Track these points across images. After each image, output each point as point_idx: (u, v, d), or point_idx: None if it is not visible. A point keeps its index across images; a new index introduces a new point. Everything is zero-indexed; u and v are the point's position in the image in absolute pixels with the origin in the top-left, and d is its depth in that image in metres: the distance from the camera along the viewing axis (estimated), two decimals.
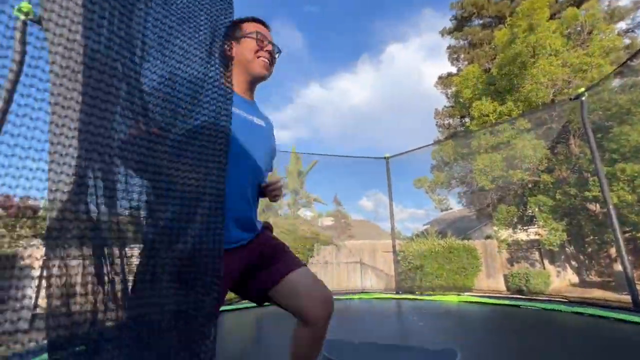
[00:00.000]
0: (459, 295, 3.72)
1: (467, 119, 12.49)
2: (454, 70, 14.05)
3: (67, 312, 0.64)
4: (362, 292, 4.47)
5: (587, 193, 7.97)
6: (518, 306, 3.10)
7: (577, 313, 2.73)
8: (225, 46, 0.93)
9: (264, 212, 8.85)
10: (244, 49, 1.02)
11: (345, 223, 9.66)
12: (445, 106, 13.57)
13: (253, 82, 1.07)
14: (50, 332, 0.61)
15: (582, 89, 3.31)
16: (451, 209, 12.15)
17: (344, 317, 3.01)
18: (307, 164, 9.25)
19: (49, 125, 0.69)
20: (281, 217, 9.08)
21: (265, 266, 1.01)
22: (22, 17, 1.38)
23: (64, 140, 0.65)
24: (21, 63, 1.20)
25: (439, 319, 2.91)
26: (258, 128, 1.05)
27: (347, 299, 3.91)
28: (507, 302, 3.27)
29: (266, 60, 1.04)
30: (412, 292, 4.37)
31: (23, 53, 1.19)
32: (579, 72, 8.64)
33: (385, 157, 4.67)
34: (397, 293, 4.19)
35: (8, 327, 0.56)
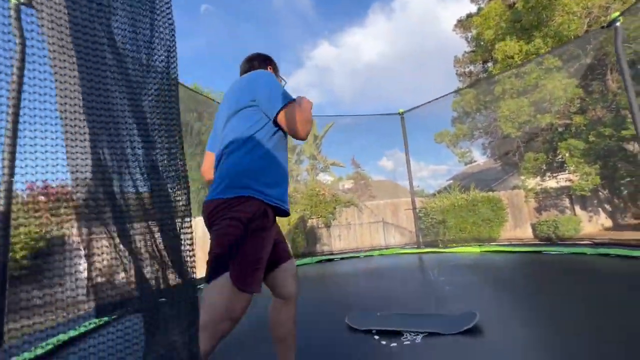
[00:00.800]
0: (480, 245, 3.72)
1: (490, 64, 11.61)
2: (474, 9, 12.81)
3: (108, 283, 0.76)
4: (383, 249, 4.58)
5: (624, 132, 7.40)
6: (540, 252, 3.07)
7: (603, 254, 2.67)
8: (271, 69, 1.44)
9: None
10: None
11: (365, 184, 9.66)
12: (465, 52, 12.62)
13: None
14: (97, 300, 0.74)
15: (617, 14, 2.95)
16: (475, 161, 11.77)
17: (364, 275, 3.12)
18: (322, 128, 9.13)
19: (57, 107, 0.74)
20: (300, 183, 9.21)
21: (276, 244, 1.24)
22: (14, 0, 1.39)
23: (74, 120, 0.70)
24: (22, 51, 1.23)
25: (459, 271, 2.95)
26: None
27: (366, 256, 4.04)
28: (529, 249, 3.24)
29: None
30: (435, 246, 4.41)
31: (23, 39, 1.22)
32: None
33: (399, 113, 4.51)
34: (419, 247, 4.26)
35: (68, 296, 0.68)
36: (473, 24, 11.42)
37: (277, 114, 1.14)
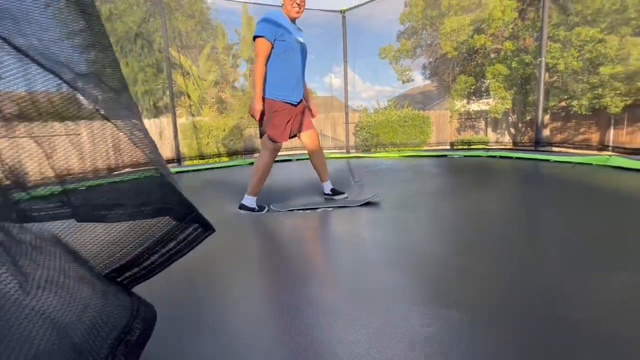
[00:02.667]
0: (399, 151, 4.13)
1: None
2: None
3: None
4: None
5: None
6: (445, 155, 3.56)
7: (490, 156, 3.22)
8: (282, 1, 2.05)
9: (218, 84, 8.30)
10: (287, 2, 1.99)
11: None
12: None
13: (292, 19, 2.05)
14: None
15: None
16: (413, 80, 12.11)
17: (293, 175, 3.31)
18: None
19: None
20: (237, 90, 8.63)
21: (301, 118, 2.17)
22: None
23: None
24: None
25: (380, 168, 3.31)
26: (300, 43, 2.07)
27: (299, 159, 4.22)
28: (436, 153, 3.72)
29: (297, 9, 2.01)
30: (365, 151, 4.75)
31: None
32: None
33: (341, 11, 4.23)
34: (347, 153, 4.57)
35: None
36: None
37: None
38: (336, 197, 2.22)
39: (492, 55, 9.78)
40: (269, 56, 1.96)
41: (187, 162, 5.16)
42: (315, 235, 1.51)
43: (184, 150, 6.33)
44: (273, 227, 1.71)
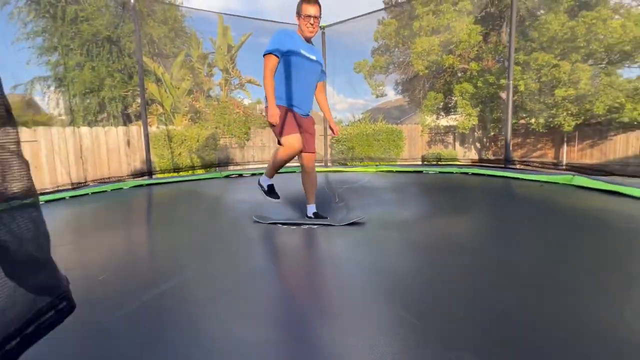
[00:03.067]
0: (377, 166, 4.21)
1: None
2: None
3: None
4: (295, 168, 4.76)
5: (503, 81, 8.73)
6: (421, 171, 3.68)
7: (463, 173, 3.37)
8: (296, 17, 2.12)
9: (193, 92, 8.09)
10: (302, 23, 2.08)
11: None
12: None
13: (307, 38, 2.13)
14: None
15: None
16: (386, 95, 12.52)
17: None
18: (239, 38, 8.16)
19: None
20: (212, 99, 8.45)
21: (306, 137, 2.20)
22: None
23: None
24: None
25: (358, 184, 3.34)
26: (312, 61, 2.13)
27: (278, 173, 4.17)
28: (413, 169, 3.84)
29: (310, 30, 2.10)
30: (341, 164, 4.80)
31: None
32: None
33: (322, 27, 4.31)
34: (326, 166, 4.60)
35: None
36: None
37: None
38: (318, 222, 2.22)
39: (459, 74, 10.40)
40: (277, 69, 2.09)
41: (158, 175, 4.93)
42: (297, 254, 1.48)
43: (154, 160, 6.06)
44: (251, 241, 1.65)
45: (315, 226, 1.93)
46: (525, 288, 0.94)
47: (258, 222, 2.02)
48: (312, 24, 2.07)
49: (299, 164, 2.38)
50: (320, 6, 2.10)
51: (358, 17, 4.41)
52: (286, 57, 2.07)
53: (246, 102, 9.50)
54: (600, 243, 1.33)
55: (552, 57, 7.77)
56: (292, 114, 2.16)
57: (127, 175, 4.61)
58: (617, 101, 7.75)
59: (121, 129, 6.81)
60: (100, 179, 3.56)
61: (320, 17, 2.12)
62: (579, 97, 7.93)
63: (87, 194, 2.79)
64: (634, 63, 7.71)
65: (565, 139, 10.81)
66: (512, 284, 0.97)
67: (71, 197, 2.65)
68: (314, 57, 2.15)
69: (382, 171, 4.03)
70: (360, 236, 1.65)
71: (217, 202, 2.60)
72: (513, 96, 3.59)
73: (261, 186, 2.23)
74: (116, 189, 3.05)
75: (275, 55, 2.03)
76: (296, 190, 2.68)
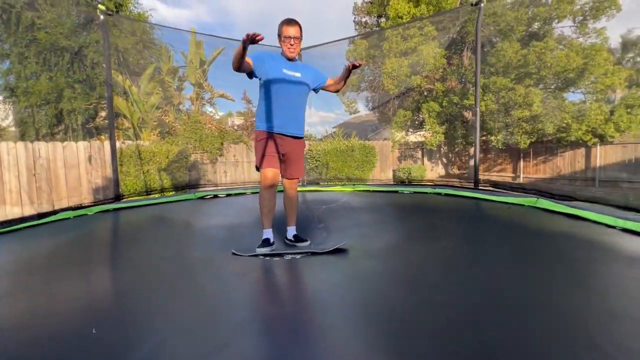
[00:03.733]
0: (353, 185, 4.27)
1: (383, 19, 12.24)
2: None
3: None
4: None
5: (465, 101, 9.32)
6: (397, 191, 3.79)
7: (437, 193, 3.51)
8: (278, 39, 2.12)
9: (163, 106, 7.79)
10: (282, 44, 2.10)
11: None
12: (364, 1, 12.84)
13: (289, 58, 2.13)
14: None
15: None
16: (359, 112, 12.88)
17: (245, 210, 3.18)
18: (210, 53, 8.04)
19: None
20: (183, 113, 8.21)
21: (287, 160, 2.23)
22: None
23: None
24: None
25: (336, 205, 3.37)
26: (295, 78, 2.12)
27: (253, 192, 4.09)
28: (389, 188, 3.94)
29: (291, 49, 2.09)
30: (317, 184, 4.82)
31: None
32: None
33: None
34: (303, 186, 4.59)
35: None
36: None
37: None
38: (298, 244, 2.19)
39: (426, 94, 10.97)
40: (259, 94, 2.14)
41: (125, 193, 4.65)
42: (282, 296, 1.43)
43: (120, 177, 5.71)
44: (229, 282, 1.59)
45: (298, 257, 1.90)
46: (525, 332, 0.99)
47: (237, 255, 1.95)
48: (292, 45, 2.08)
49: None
50: (300, 27, 2.13)
51: (333, 41, 4.54)
52: (266, 81, 2.08)
53: (218, 114, 9.35)
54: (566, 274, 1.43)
55: (509, 81, 8.45)
56: (272, 142, 2.14)
57: (90, 203, 4.34)
58: (565, 122, 8.55)
59: (82, 144, 6.37)
60: (64, 207, 3.30)
61: (301, 37, 2.14)
62: (532, 118, 8.65)
63: (48, 222, 2.55)
64: (578, 88, 8.58)
65: (522, 155, 11.68)
66: (511, 324, 1.02)
67: (27, 227, 2.41)
68: (298, 74, 2.14)
69: (359, 190, 4.10)
70: (344, 269, 1.65)
71: (191, 230, 2.49)
72: (474, 116, 3.82)
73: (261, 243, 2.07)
74: (80, 216, 2.82)
75: (252, 61, 2.02)
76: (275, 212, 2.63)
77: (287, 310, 1.18)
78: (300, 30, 2.13)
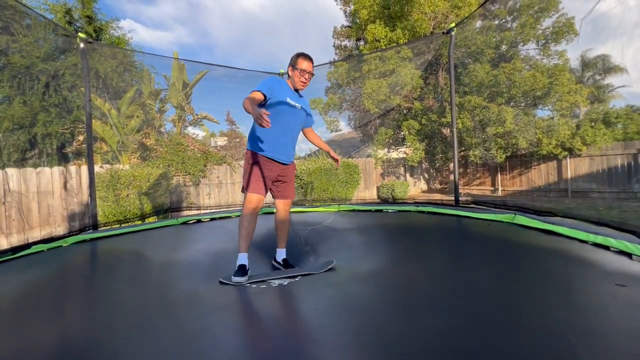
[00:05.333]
0: (338, 205, 4.30)
1: (361, 42, 12.74)
2: None
3: None
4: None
5: (443, 119, 9.69)
6: (381, 210, 3.84)
7: (420, 211, 3.59)
8: (289, 68, 2.22)
9: (144, 129, 7.69)
10: (295, 75, 2.19)
11: (240, 143, 9.38)
12: (343, 25, 13.37)
13: (297, 89, 2.25)
14: None
15: (453, 24, 3.72)
16: (340, 130, 13.11)
17: (230, 234, 3.14)
18: (194, 75, 8.09)
19: None
20: (166, 135, 8.11)
21: (279, 184, 2.29)
22: None
23: None
24: None
25: (323, 226, 3.37)
26: (296, 109, 2.21)
27: (237, 216, 4.04)
28: (373, 207, 4.00)
29: (303, 83, 2.22)
30: (301, 206, 4.82)
31: None
32: (455, 9, 9.57)
33: (280, 73, 4.48)
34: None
35: None
36: (352, 0, 12.10)
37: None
38: (285, 270, 2.18)
39: (405, 112, 11.35)
40: (260, 106, 2.05)
41: (102, 224, 4.49)
42: (273, 328, 1.41)
43: (98, 204, 5.52)
44: (216, 315, 1.55)
45: (286, 282, 1.88)
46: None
47: (225, 283, 1.91)
48: (306, 79, 2.17)
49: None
50: (312, 63, 2.21)
51: (318, 66, 4.67)
52: (271, 102, 2.09)
53: (204, 133, 9.30)
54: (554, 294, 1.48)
55: (482, 99, 8.89)
56: (262, 166, 2.14)
57: (65, 232, 4.17)
58: (536, 137, 9.01)
59: (57, 169, 6.15)
60: (37, 240, 3.18)
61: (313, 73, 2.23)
62: (506, 133, 9.08)
63: (19, 256, 2.41)
64: (545, 106, 9.12)
65: (499, 169, 12.15)
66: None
67: None
68: (298, 106, 2.21)
69: (344, 210, 4.12)
70: (332, 295, 1.64)
71: (173, 260, 2.42)
72: (452, 132, 3.98)
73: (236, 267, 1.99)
74: (54, 248, 2.69)
75: (262, 93, 2.04)
76: (261, 234, 2.62)
77: (276, 345, 1.16)
78: (312, 66, 2.22)
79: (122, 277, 2.05)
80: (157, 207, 6.28)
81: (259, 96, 2.02)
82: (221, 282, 1.93)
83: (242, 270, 1.98)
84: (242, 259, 2.04)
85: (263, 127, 1.67)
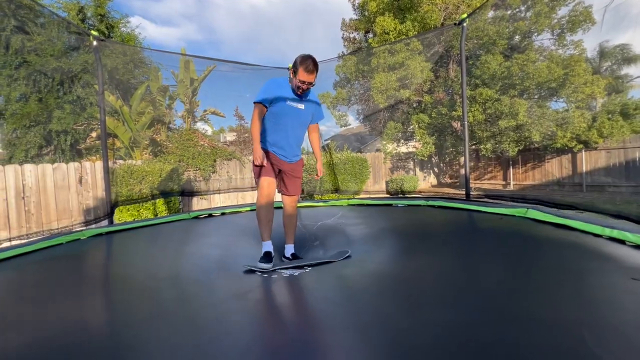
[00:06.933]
0: (348, 199, 4.31)
1: (370, 35, 12.59)
2: None
3: None
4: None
5: (454, 112, 9.54)
6: (391, 204, 3.83)
7: (430, 205, 3.56)
8: (291, 71, 2.15)
9: (154, 125, 7.81)
10: (294, 82, 2.13)
11: (249, 138, 9.43)
12: (351, 18, 13.21)
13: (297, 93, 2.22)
14: None
15: (465, 15, 3.64)
16: (350, 124, 13.05)
17: (241, 228, 3.18)
18: (201, 72, 8.14)
19: None
20: (175, 131, 8.22)
21: (285, 179, 2.37)
22: None
23: None
24: None
25: (332, 220, 3.39)
26: (299, 110, 2.23)
27: (234, 212, 4.09)
28: (383, 202, 3.98)
29: (300, 90, 2.15)
30: (312, 197, 4.83)
31: None
32: None
33: (288, 68, 4.47)
34: (298, 202, 4.60)
35: None
36: None
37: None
38: (298, 260, 2.22)
39: (415, 106, 11.21)
40: (265, 114, 2.21)
41: (116, 218, 4.59)
42: (288, 320, 1.43)
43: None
44: (227, 299, 1.59)
45: (297, 273, 1.91)
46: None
47: (251, 269, 1.96)
48: (303, 89, 2.14)
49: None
50: (317, 71, 2.12)
51: (326, 60, 4.66)
52: (273, 107, 2.17)
53: (212, 129, 9.39)
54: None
55: (494, 92, 8.71)
56: (269, 158, 2.24)
57: (79, 224, 4.29)
58: (550, 129, 8.80)
59: (72, 164, 6.30)
60: (55, 230, 3.28)
61: (314, 81, 2.14)
62: (518, 127, 8.89)
63: (40, 248, 2.51)
64: (560, 98, 8.88)
65: (511, 163, 11.92)
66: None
67: (16, 255, 2.37)
68: (302, 107, 2.22)
69: (354, 205, 4.13)
70: (343, 287, 1.66)
71: (187, 252, 2.48)
72: (463, 126, 3.93)
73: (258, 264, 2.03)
74: (73, 240, 2.78)
75: (264, 105, 2.15)
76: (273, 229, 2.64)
77: (286, 332, 1.18)
78: (316, 74, 2.14)
79: (137, 268, 2.11)
80: (169, 192, 6.40)
81: (261, 110, 2.15)
82: (247, 269, 1.97)
83: (267, 256, 2.07)
84: (267, 246, 2.15)
85: (255, 164, 2.13)
